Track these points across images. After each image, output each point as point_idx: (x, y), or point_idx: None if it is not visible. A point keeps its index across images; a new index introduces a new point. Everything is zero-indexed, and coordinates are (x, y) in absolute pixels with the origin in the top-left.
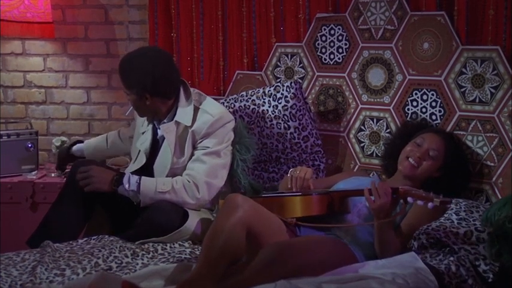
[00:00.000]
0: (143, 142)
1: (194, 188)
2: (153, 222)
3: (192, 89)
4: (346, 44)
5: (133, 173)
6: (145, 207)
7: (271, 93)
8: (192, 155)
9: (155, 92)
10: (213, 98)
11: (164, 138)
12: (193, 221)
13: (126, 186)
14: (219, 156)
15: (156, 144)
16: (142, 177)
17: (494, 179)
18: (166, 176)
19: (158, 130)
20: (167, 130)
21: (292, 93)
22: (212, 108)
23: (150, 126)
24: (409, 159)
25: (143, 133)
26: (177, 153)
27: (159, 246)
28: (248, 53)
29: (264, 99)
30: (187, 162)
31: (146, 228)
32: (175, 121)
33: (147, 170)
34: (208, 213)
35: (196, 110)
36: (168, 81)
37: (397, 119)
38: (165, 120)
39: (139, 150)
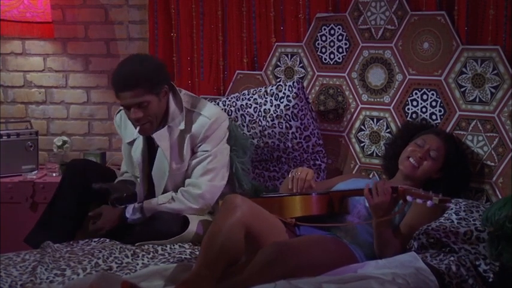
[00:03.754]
0: (135, 150)
1: (195, 193)
2: (152, 230)
3: (181, 91)
4: (346, 44)
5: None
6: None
7: (273, 93)
8: (192, 158)
9: (168, 83)
10: (214, 98)
11: (158, 146)
12: (193, 226)
13: (133, 217)
14: (218, 157)
15: (153, 152)
16: (144, 201)
17: (494, 178)
18: (166, 183)
19: (153, 137)
20: (160, 138)
21: (295, 92)
22: (207, 110)
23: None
24: (410, 159)
25: (133, 141)
26: (176, 159)
27: (159, 247)
28: (248, 53)
29: (266, 98)
30: (187, 167)
31: (145, 236)
32: (168, 126)
33: (147, 178)
34: (208, 215)
35: (189, 112)
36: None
37: (397, 118)
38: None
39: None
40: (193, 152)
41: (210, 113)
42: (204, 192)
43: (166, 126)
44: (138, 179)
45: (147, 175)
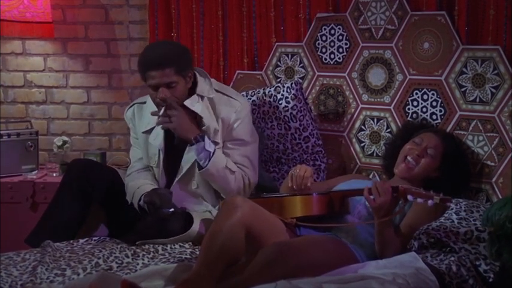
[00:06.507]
0: (155, 138)
1: (245, 179)
2: (155, 229)
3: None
4: (346, 44)
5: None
6: (146, 213)
7: (272, 94)
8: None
9: (192, 69)
10: None
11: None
12: (196, 226)
13: (207, 145)
14: (252, 142)
15: (172, 141)
16: (216, 150)
17: (494, 178)
18: (190, 167)
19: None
20: (191, 103)
21: (293, 94)
22: (236, 95)
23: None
24: (408, 157)
25: (150, 130)
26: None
27: (160, 247)
28: (248, 52)
29: (265, 100)
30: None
31: (148, 235)
32: (197, 94)
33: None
34: (210, 214)
35: (218, 93)
36: None
37: (398, 118)
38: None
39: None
40: (229, 140)
41: (239, 98)
42: (252, 180)
43: (195, 94)
44: (155, 169)
45: (164, 164)
